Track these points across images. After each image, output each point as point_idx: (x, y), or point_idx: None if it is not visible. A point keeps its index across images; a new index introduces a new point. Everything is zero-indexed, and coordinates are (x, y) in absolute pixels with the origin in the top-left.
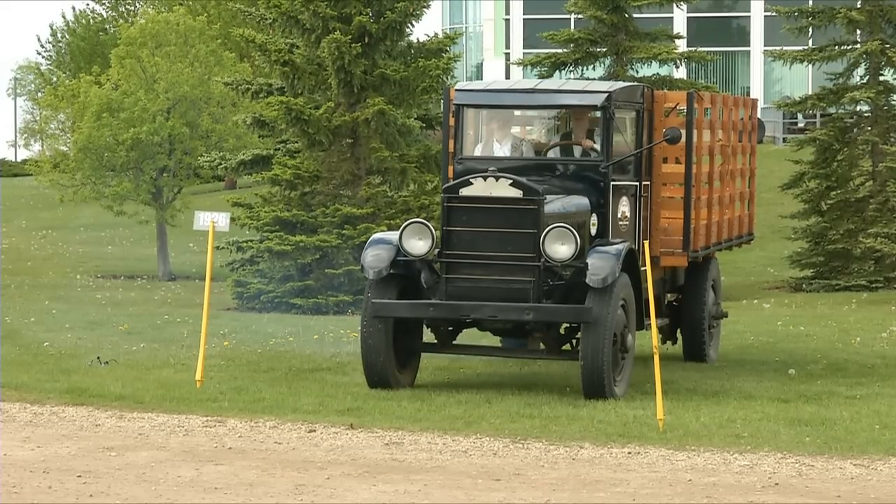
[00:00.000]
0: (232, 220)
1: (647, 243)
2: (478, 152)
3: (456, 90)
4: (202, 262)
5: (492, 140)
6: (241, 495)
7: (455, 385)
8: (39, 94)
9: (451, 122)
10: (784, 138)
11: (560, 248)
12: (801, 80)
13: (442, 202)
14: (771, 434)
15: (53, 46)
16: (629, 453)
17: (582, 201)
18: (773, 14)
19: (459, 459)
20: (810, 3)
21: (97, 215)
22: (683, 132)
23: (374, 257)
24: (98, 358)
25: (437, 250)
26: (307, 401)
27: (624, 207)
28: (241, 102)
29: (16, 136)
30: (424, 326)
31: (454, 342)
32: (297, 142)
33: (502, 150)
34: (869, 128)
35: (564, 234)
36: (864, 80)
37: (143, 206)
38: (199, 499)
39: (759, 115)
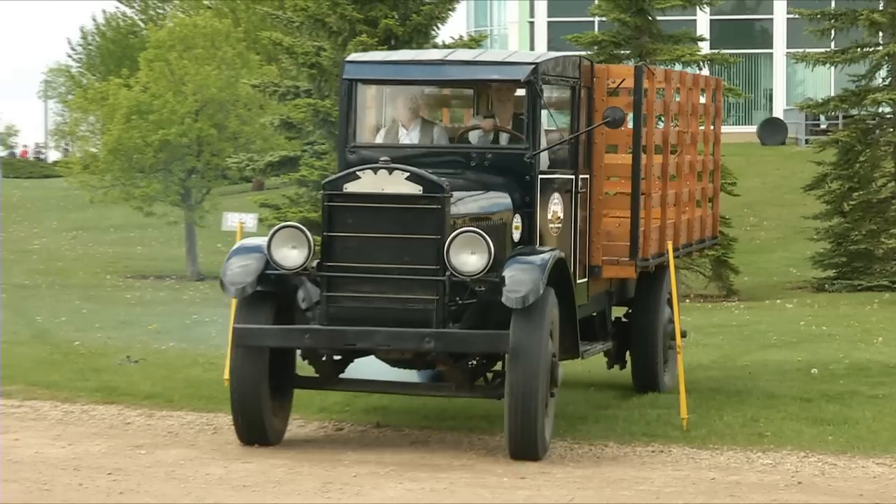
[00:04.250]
0: (259, 220)
1: (670, 244)
2: (379, 139)
3: (346, 62)
4: None
5: (395, 124)
6: (269, 493)
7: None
8: (70, 97)
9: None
10: (806, 140)
11: (469, 259)
12: (824, 82)
13: (321, 201)
14: (794, 433)
15: (84, 49)
16: (653, 452)
17: (501, 199)
18: (796, 16)
19: (485, 458)
20: (833, 5)
21: (127, 216)
22: (630, 114)
23: (240, 269)
24: (128, 357)
25: (316, 262)
26: (334, 399)
27: (556, 206)
28: (269, 104)
29: (46, 138)
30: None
31: (342, 376)
32: (324, 143)
33: (409, 134)
34: (891, 129)
35: (474, 241)
36: (887, 82)
37: (172, 207)
38: (228, 496)
39: (780, 117)
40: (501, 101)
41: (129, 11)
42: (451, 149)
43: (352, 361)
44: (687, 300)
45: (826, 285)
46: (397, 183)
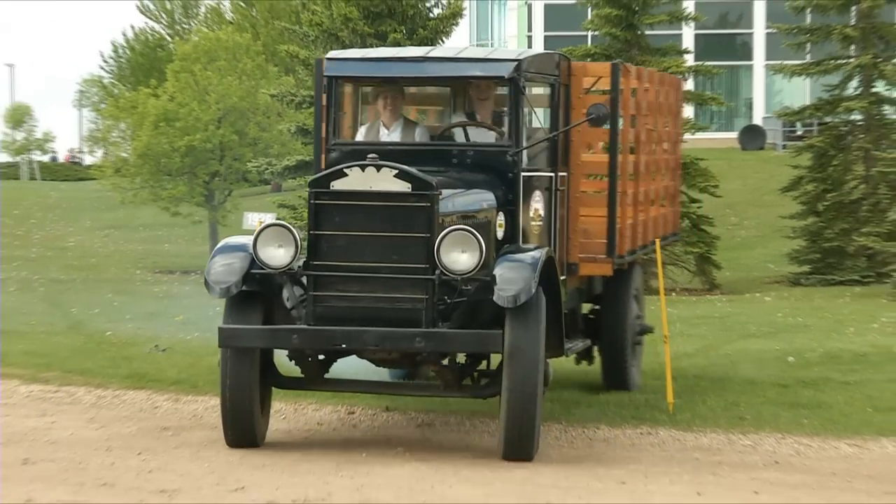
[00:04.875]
0: (277, 220)
1: (657, 240)
2: (360, 137)
3: (327, 59)
4: None
5: (376, 121)
6: (286, 472)
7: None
8: (102, 106)
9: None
10: (784, 145)
11: (460, 257)
12: (800, 92)
13: (308, 199)
14: (772, 416)
15: (115, 62)
16: (641, 434)
17: (486, 197)
18: (775, 31)
19: (486, 440)
20: (808, 20)
21: (155, 216)
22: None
23: (224, 269)
24: (156, 346)
25: (302, 260)
26: None
27: (537, 204)
28: (286, 112)
29: (81, 144)
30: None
31: (327, 376)
32: None
33: (390, 134)
34: (862, 135)
35: (465, 239)
36: (858, 92)
37: (197, 208)
38: (248, 475)
39: (760, 124)
40: (482, 98)
41: (157, 27)
42: (433, 145)
43: (336, 361)
44: (672, 293)
45: (802, 280)
46: (385, 180)
